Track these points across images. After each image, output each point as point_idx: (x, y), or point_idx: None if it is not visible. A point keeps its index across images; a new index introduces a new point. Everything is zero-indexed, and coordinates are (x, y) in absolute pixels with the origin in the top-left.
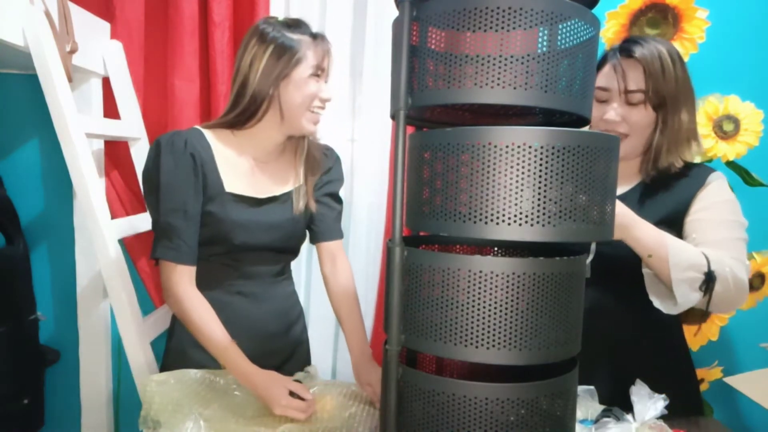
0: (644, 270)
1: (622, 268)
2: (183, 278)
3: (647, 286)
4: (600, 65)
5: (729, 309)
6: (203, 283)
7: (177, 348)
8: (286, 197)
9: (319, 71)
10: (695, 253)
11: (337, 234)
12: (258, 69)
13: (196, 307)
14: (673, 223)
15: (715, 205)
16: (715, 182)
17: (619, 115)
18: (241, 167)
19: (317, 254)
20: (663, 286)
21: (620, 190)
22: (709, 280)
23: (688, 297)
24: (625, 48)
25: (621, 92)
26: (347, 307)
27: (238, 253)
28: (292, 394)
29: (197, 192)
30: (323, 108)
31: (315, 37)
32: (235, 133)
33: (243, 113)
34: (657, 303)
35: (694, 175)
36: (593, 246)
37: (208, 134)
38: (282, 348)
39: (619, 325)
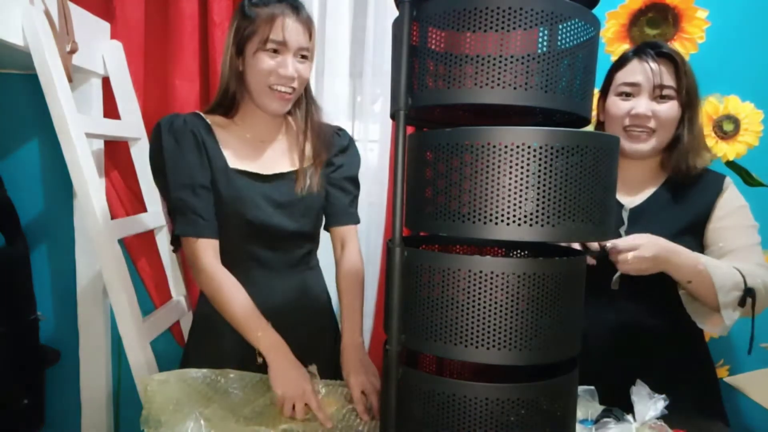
0: (681, 292)
1: (653, 281)
2: (207, 252)
3: (688, 309)
4: (622, 62)
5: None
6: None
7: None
8: (294, 175)
9: (275, 45)
10: (733, 273)
11: (350, 218)
12: (228, 47)
13: (225, 282)
14: (696, 230)
15: (735, 212)
16: (730, 188)
17: (649, 110)
18: (244, 146)
19: (331, 241)
20: (701, 307)
21: (642, 195)
22: (747, 296)
23: (732, 317)
24: (654, 45)
25: (653, 87)
26: (345, 290)
27: (252, 235)
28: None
29: (204, 166)
30: (287, 85)
31: (282, 5)
32: (232, 118)
33: (225, 95)
34: (704, 326)
35: (711, 180)
36: None
37: (207, 117)
38: (296, 341)
39: (651, 338)
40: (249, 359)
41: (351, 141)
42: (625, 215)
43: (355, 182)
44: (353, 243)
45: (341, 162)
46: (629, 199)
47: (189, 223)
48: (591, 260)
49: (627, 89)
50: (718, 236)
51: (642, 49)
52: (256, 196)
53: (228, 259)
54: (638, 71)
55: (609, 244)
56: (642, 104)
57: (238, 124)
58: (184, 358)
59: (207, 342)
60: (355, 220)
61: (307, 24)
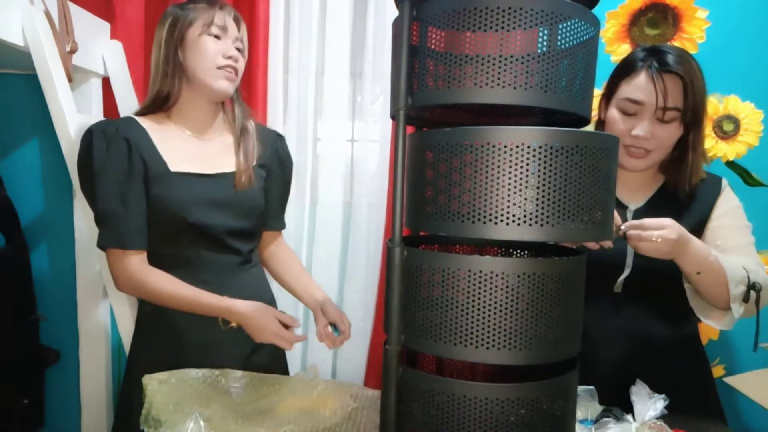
0: (686, 285)
1: (655, 284)
2: (133, 261)
3: (692, 303)
4: (629, 71)
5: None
6: (173, 270)
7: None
8: (234, 175)
9: (217, 30)
10: (740, 267)
11: (280, 225)
12: (160, 44)
13: (155, 278)
14: (698, 231)
15: (733, 212)
16: (727, 188)
17: (650, 132)
18: (184, 146)
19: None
20: (704, 302)
21: (643, 196)
22: (752, 290)
23: (738, 311)
24: (663, 61)
25: (657, 108)
26: (292, 261)
27: (197, 237)
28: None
29: (134, 176)
30: (233, 66)
31: (210, 2)
32: (168, 114)
33: (160, 93)
34: (709, 321)
35: (709, 184)
36: (629, 260)
37: (142, 120)
38: (248, 338)
39: (652, 339)
40: (192, 357)
41: (276, 140)
42: (629, 215)
43: (288, 189)
44: (282, 241)
45: (279, 169)
46: (632, 201)
47: (115, 235)
48: (607, 242)
49: (630, 108)
50: (716, 234)
51: (651, 62)
52: (198, 197)
53: (174, 263)
54: (643, 89)
55: (632, 224)
56: (643, 127)
57: (176, 121)
58: (128, 362)
59: (152, 341)
60: (283, 227)
61: (237, 20)
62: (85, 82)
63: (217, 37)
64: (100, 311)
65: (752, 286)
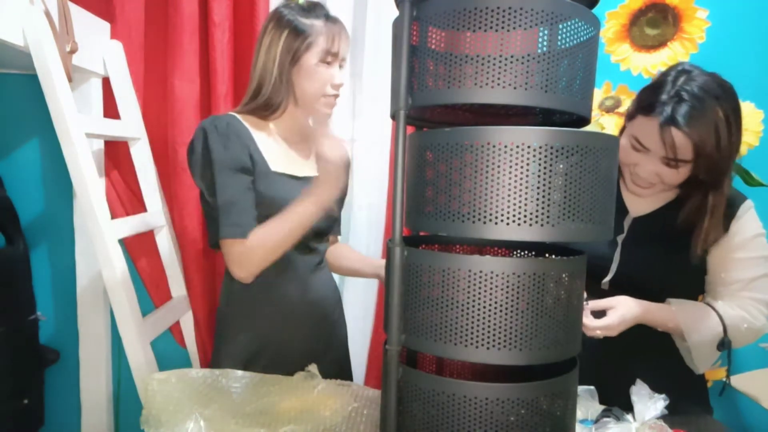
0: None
1: (644, 286)
2: (245, 246)
3: (677, 343)
4: (648, 110)
5: None
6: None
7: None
8: None
9: (330, 57)
10: (710, 327)
11: (338, 227)
12: (276, 54)
13: (266, 230)
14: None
15: (748, 244)
16: (748, 214)
17: (654, 176)
18: (278, 148)
19: None
20: (685, 344)
21: (652, 204)
22: (722, 345)
23: (709, 363)
24: (676, 113)
25: (663, 157)
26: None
27: None
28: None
29: (247, 171)
30: (337, 93)
31: (328, 19)
32: (266, 118)
33: (269, 102)
34: (686, 360)
35: (729, 201)
36: (614, 266)
37: (243, 119)
38: (324, 333)
39: (638, 337)
40: (273, 352)
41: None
42: (626, 224)
43: (346, 192)
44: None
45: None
46: (636, 207)
47: (239, 225)
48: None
49: (638, 147)
50: (722, 266)
51: (664, 110)
52: (293, 197)
53: None
54: (652, 138)
55: (585, 321)
56: (646, 169)
57: (272, 127)
58: (214, 358)
59: (233, 340)
60: (340, 232)
61: (347, 39)
62: (85, 82)
63: (328, 63)
64: (100, 311)
65: (723, 343)
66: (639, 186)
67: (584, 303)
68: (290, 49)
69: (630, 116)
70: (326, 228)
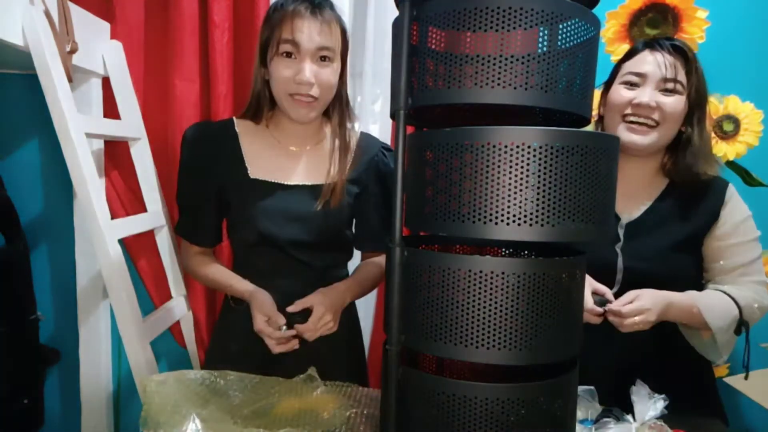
0: (680, 326)
1: (653, 285)
2: (192, 252)
3: (690, 340)
4: (632, 53)
5: None
6: (251, 275)
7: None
8: (319, 189)
9: (290, 47)
10: (728, 310)
11: (376, 246)
12: (256, 55)
13: (204, 270)
14: (694, 242)
15: (738, 228)
16: (733, 198)
17: (654, 100)
18: (271, 153)
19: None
20: (699, 335)
21: (639, 207)
22: (741, 325)
23: (730, 348)
24: (668, 41)
25: (660, 80)
26: (363, 266)
27: (270, 246)
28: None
29: (210, 180)
30: (307, 92)
31: (306, 7)
32: (265, 121)
33: (256, 106)
34: (704, 354)
35: (712, 191)
36: (618, 276)
37: (240, 123)
38: (318, 350)
39: (648, 339)
40: (266, 360)
41: (375, 155)
42: (621, 232)
43: (375, 205)
44: (375, 257)
45: (354, 177)
46: (626, 212)
47: (185, 227)
48: (595, 319)
49: (633, 78)
50: (719, 255)
51: (654, 41)
52: (272, 209)
53: (251, 266)
54: (648, 61)
55: (611, 306)
56: (646, 93)
57: (270, 129)
58: (206, 359)
59: (225, 344)
60: (380, 249)
61: (328, 22)
62: (85, 82)
63: (288, 54)
64: (100, 311)
65: (738, 328)
66: (639, 133)
67: (607, 305)
68: (259, 46)
69: (613, 74)
70: (323, 243)
